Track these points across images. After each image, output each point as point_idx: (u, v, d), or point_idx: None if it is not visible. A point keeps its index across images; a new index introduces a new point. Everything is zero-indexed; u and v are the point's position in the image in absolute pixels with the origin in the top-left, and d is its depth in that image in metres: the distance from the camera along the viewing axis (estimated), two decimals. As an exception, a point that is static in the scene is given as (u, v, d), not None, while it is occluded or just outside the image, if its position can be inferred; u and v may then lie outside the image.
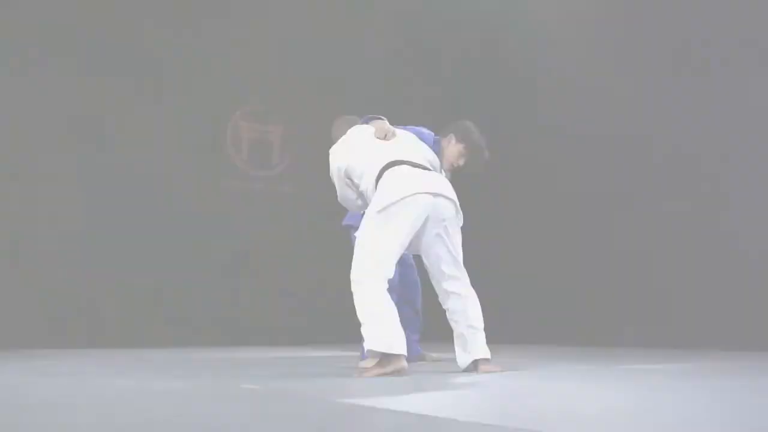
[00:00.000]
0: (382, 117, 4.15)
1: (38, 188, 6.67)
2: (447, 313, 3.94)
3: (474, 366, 3.79)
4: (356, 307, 3.63)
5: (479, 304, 4.00)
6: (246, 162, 7.61)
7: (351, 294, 3.70)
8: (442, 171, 4.31)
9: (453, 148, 4.39)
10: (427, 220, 3.73)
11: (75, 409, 2.45)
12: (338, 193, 4.05)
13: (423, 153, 4.03)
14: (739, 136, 6.22)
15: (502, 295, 8.09)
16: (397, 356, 3.53)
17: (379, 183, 3.76)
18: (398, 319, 3.63)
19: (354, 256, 3.71)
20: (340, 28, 8.27)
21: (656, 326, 6.62)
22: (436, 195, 3.73)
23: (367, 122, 4.15)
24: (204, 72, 7.42)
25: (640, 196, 6.91)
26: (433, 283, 3.96)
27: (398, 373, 3.50)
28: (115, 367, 4.24)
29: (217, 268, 7.25)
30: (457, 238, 3.89)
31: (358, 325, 3.61)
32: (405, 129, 4.27)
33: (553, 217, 7.70)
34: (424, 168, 3.87)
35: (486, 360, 3.82)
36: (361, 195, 3.95)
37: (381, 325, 3.57)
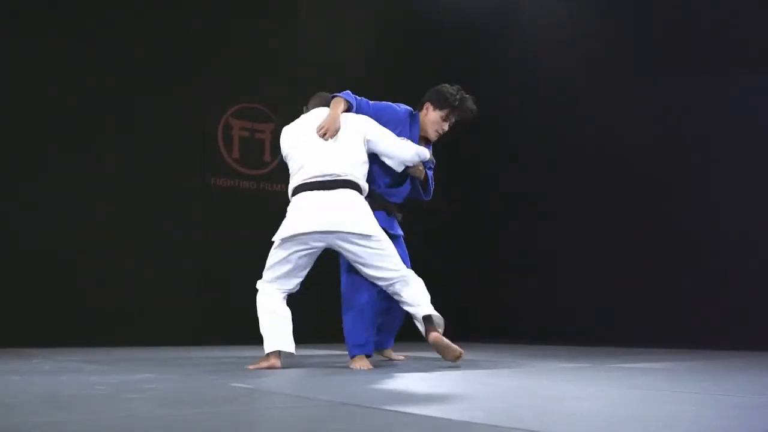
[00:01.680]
0: (350, 97, 4.29)
1: (26, 186, 6.63)
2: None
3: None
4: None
5: (417, 285, 4.23)
6: (237, 160, 7.58)
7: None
8: (424, 144, 4.50)
9: (431, 116, 4.48)
10: (327, 245, 4.05)
11: (59, 407, 2.42)
12: None
13: (351, 160, 4.08)
14: None
15: (500, 295, 8.12)
16: (273, 353, 4.01)
17: (289, 206, 4.12)
18: (280, 322, 4.05)
19: None
20: (333, 25, 8.27)
21: (652, 324, 6.62)
22: (324, 233, 3.96)
23: (330, 101, 4.32)
24: (195, 70, 7.41)
25: (639, 194, 6.90)
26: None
27: (271, 367, 3.94)
28: (102, 364, 4.22)
29: (208, 266, 7.26)
30: (364, 250, 4.02)
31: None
32: (375, 107, 4.37)
33: (547, 215, 7.70)
34: (334, 187, 3.98)
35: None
36: None
37: (263, 328, 4.07)
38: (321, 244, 4.03)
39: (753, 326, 5.96)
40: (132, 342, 6.59)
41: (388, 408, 2.35)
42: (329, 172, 4.02)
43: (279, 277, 4.10)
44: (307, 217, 3.97)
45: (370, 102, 4.43)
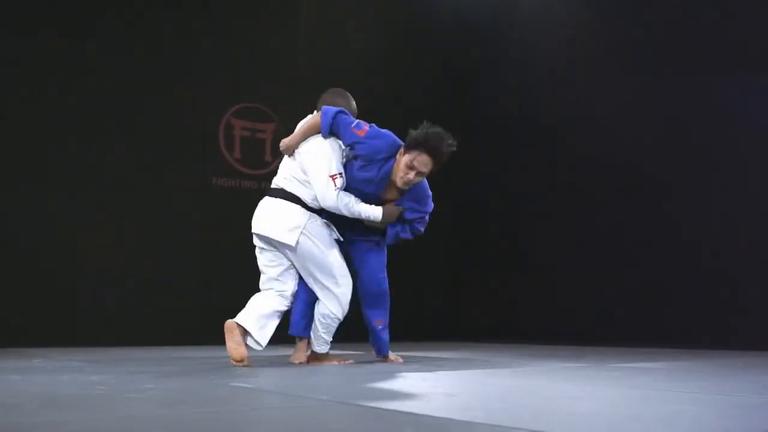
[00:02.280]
0: (324, 124, 4.24)
1: (27, 184, 6.64)
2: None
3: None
4: None
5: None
6: (238, 160, 7.58)
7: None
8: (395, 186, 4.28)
9: (401, 160, 4.16)
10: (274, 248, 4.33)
11: (59, 407, 2.42)
12: None
13: (296, 178, 4.30)
14: None
15: (500, 295, 8.12)
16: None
17: None
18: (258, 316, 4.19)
19: None
20: (335, 26, 8.27)
21: (652, 324, 6.62)
22: (259, 236, 4.34)
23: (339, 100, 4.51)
24: (196, 70, 7.41)
25: (643, 193, 6.91)
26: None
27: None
28: (102, 364, 4.22)
29: (208, 266, 7.25)
30: (299, 257, 4.27)
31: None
32: (369, 131, 4.24)
33: (547, 214, 7.70)
34: (277, 197, 4.31)
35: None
36: None
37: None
38: (267, 246, 4.34)
39: (753, 326, 5.96)
40: (132, 342, 6.59)
41: (388, 407, 2.35)
42: (277, 184, 4.37)
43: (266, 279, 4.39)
44: (254, 218, 4.39)
45: (365, 126, 4.27)
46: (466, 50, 8.64)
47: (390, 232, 4.36)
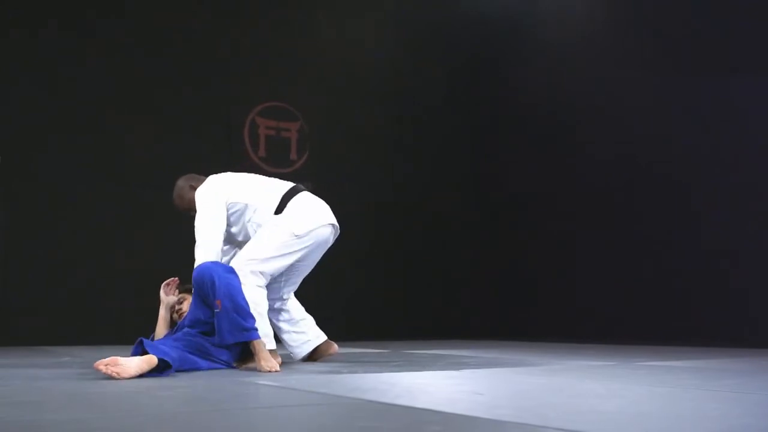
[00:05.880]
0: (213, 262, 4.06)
1: (30, 185, 6.71)
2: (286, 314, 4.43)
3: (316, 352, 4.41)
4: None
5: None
6: (263, 159, 7.63)
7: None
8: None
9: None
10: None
11: (86, 405, 2.45)
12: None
13: None
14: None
15: (525, 293, 8.11)
16: (272, 350, 4.01)
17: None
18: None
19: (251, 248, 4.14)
20: (356, 23, 8.29)
21: (679, 322, 6.59)
22: (331, 226, 4.31)
23: None
24: (221, 69, 7.45)
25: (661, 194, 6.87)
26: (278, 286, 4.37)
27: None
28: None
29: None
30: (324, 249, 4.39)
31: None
32: None
33: (570, 213, 7.68)
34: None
35: (328, 341, 4.44)
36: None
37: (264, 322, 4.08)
38: (315, 244, 4.33)
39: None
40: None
41: (415, 406, 2.36)
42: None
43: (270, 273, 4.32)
44: (319, 209, 4.36)
45: None
46: (485, 48, 8.63)
47: None
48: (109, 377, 3.16)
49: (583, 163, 7.61)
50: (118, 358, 3.24)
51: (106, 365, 3.19)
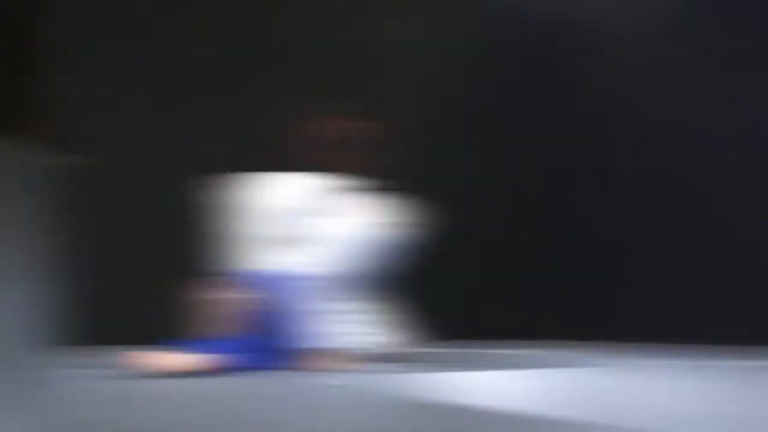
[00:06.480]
0: None
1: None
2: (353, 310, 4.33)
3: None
4: None
5: None
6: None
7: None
8: None
9: None
10: None
11: (137, 405, 2.47)
12: None
13: None
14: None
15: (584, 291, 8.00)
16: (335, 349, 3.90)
17: None
18: None
19: None
20: (420, 20, 8.25)
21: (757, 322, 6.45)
22: None
23: None
24: (285, 69, 7.49)
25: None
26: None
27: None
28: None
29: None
30: None
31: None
32: None
33: (619, 205, 7.56)
34: None
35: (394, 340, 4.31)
36: None
37: None
38: None
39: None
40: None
41: (477, 404, 2.34)
42: None
43: None
44: None
45: None
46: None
47: None
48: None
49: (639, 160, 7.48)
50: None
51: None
